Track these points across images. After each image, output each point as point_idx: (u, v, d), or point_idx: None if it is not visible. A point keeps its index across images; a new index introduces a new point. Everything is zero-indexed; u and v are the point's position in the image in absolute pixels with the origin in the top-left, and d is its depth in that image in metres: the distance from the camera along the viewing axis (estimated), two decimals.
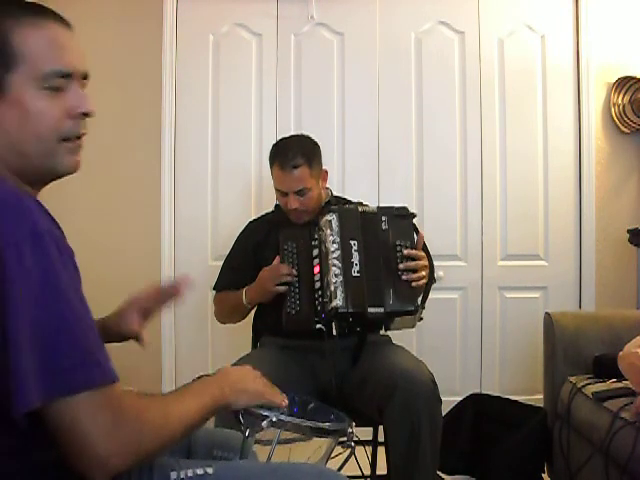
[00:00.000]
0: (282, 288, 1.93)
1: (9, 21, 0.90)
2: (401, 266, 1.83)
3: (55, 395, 0.79)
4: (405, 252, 1.84)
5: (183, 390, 1.00)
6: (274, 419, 1.18)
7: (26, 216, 0.81)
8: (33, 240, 0.80)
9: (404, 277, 1.82)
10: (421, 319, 1.87)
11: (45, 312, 0.80)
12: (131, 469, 0.85)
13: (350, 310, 1.79)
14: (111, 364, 0.85)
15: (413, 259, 1.85)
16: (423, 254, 1.89)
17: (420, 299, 1.90)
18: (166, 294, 1.33)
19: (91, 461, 0.80)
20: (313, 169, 2.05)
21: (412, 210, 1.97)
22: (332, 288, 1.81)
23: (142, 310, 1.30)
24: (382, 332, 2.10)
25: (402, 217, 1.93)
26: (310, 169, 2.03)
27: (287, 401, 1.21)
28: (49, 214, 0.88)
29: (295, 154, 2.02)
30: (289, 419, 1.21)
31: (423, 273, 1.86)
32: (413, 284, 1.83)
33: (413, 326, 1.87)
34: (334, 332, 1.81)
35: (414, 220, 1.95)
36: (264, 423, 1.17)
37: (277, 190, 2.08)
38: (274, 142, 2.18)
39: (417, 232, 1.93)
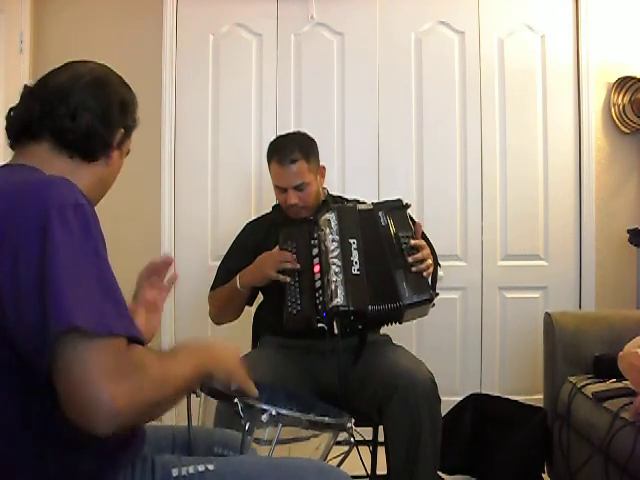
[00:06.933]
0: (282, 276, 1.91)
1: (132, 94, 1.16)
2: (410, 259, 1.83)
3: (91, 327, 0.81)
4: (412, 243, 1.85)
5: (171, 356, 1.00)
6: (273, 412, 1.18)
7: (72, 191, 0.91)
8: (76, 209, 0.88)
9: (414, 269, 1.82)
10: (433, 305, 1.87)
11: (87, 265, 0.86)
12: (134, 422, 0.87)
13: (351, 308, 1.78)
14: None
15: (417, 250, 1.85)
16: (424, 242, 1.90)
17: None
18: (158, 269, 1.44)
19: (95, 404, 0.78)
20: (311, 164, 2.05)
21: (411, 206, 1.98)
22: (332, 287, 1.80)
23: (147, 304, 1.36)
24: (382, 331, 2.11)
25: (398, 209, 1.95)
26: (308, 164, 2.03)
27: (257, 392, 1.19)
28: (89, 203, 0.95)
29: (292, 149, 2.02)
30: (289, 413, 1.21)
31: (430, 261, 1.87)
32: (424, 274, 1.84)
33: (426, 314, 1.87)
34: (335, 331, 1.80)
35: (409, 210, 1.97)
36: (264, 417, 1.17)
37: (276, 187, 2.08)
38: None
39: (413, 222, 1.95)
